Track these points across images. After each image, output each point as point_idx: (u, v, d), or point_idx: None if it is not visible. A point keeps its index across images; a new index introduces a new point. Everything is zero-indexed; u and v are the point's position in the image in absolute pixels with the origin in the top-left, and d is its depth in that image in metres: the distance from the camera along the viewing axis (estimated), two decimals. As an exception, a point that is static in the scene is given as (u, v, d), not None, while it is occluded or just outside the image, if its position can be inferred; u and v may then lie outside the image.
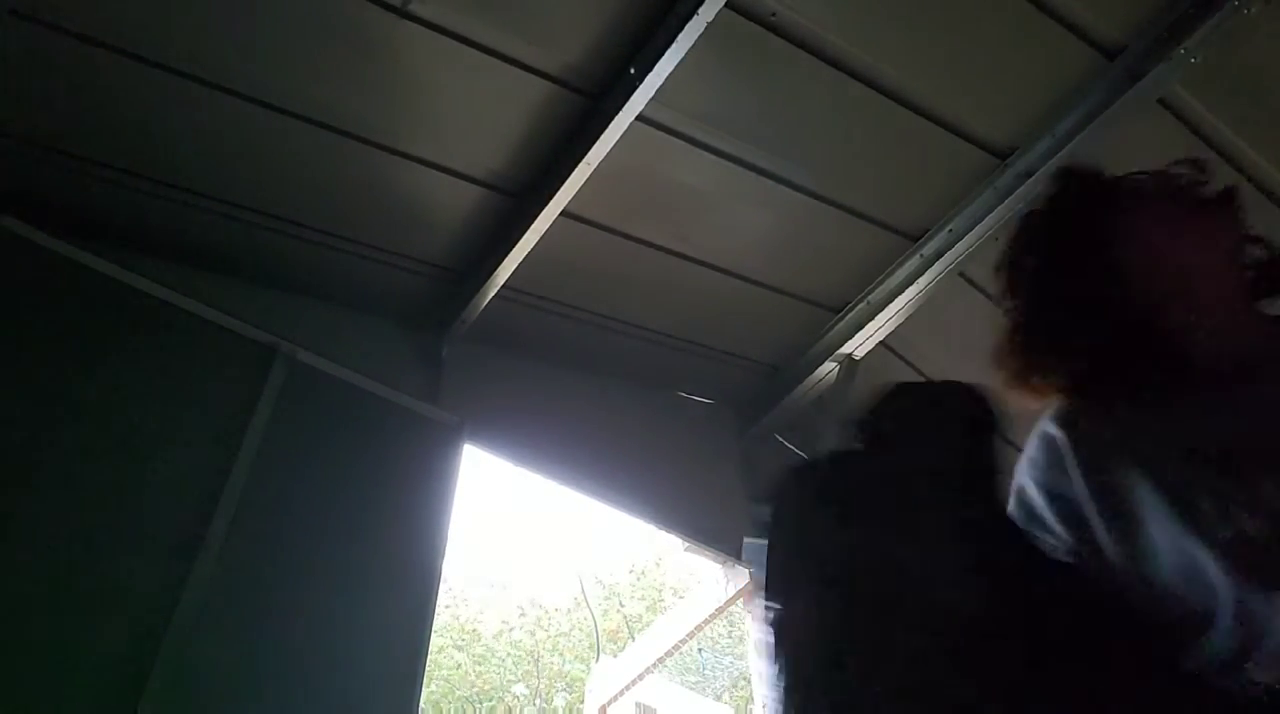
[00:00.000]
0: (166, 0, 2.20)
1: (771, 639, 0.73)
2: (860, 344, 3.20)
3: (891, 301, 3.04)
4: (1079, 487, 0.96)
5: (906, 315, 3.10)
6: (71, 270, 2.34)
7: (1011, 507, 1.02)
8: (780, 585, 0.75)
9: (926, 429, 0.78)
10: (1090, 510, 0.95)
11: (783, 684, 0.72)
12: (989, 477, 0.78)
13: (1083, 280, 1.05)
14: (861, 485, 0.76)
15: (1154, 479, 0.92)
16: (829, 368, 3.31)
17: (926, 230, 2.93)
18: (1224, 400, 0.93)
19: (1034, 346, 1.06)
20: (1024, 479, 1.02)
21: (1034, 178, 2.60)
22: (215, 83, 2.35)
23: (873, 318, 3.10)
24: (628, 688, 4.23)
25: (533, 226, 2.67)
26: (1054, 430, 1.01)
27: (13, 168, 2.45)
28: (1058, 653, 0.67)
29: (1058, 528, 0.98)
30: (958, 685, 0.65)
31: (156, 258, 2.59)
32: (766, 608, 0.74)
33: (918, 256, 2.95)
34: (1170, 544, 0.89)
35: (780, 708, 0.73)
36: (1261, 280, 1.03)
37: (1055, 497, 0.99)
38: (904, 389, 0.85)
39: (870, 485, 0.75)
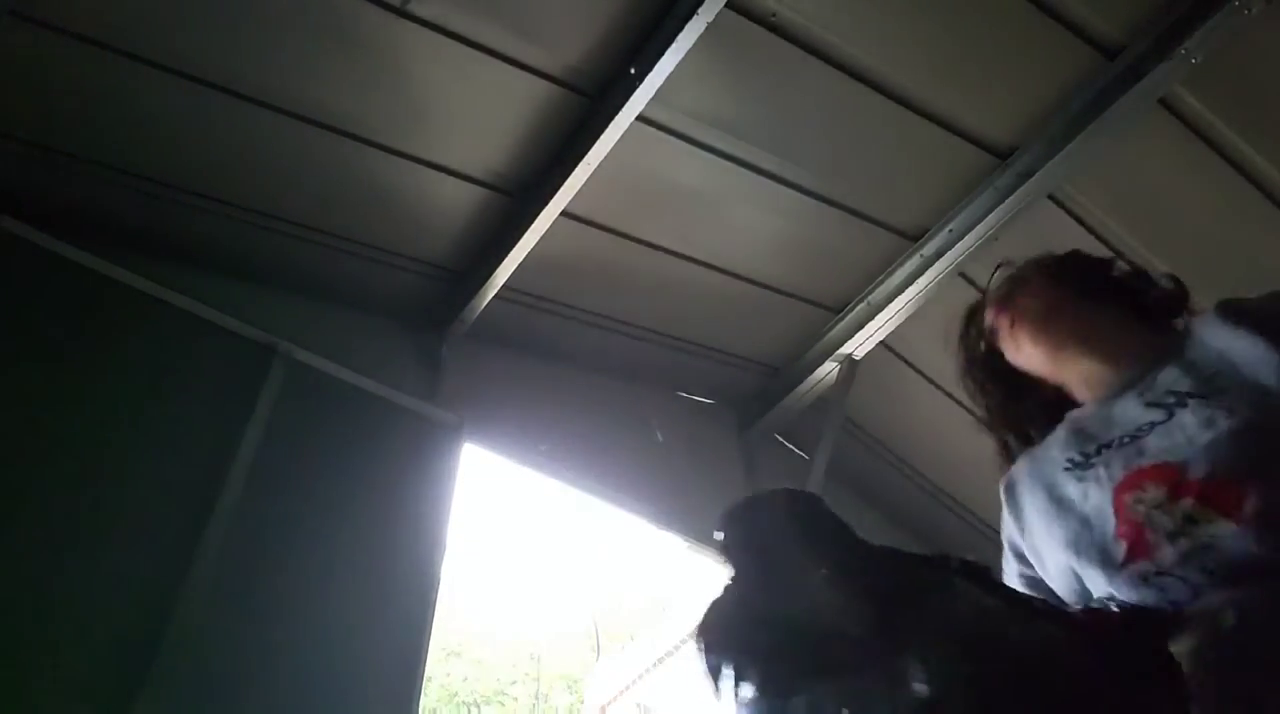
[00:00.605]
0: (166, 1, 2.20)
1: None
2: (860, 344, 3.20)
3: (891, 301, 3.03)
4: (1008, 519, 1.18)
5: (906, 315, 3.10)
6: (71, 270, 2.35)
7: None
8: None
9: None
10: (1016, 534, 1.16)
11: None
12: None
13: (992, 367, 1.29)
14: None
15: (1039, 489, 1.11)
16: (829, 368, 3.30)
17: (926, 230, 2.93)
18: (1100, 414, 1.11)
19: (992, 429, 1.30)
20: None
21: (1034, 178, 2.60)
22: (215, 83, 2.35)
23: (873, 318, 3.10)
24: (628, 688, 4.23)
25: (533, 226, 2.67)
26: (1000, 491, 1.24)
27: (13, 168, 2.45)
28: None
29: (1014, 562, 1.19)
30: None
31: (155, 258, 2.58)
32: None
33: (918, 256, 2.94)
34: (1045, 539, 1.09)
35: None
36: (1163, 308, 1.23)
37: (1009, 539, 1.21)
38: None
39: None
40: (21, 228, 2.30)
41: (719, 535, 0.90)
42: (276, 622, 2.25)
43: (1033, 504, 1.13)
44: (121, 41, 2.23)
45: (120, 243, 2.53)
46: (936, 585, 0.78)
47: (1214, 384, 0.99)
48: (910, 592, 0.77)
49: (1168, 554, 0.92)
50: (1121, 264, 1.33)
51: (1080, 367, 1.17)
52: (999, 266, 1.32)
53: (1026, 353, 1.21)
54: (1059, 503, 1.08)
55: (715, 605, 0.86)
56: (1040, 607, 0.85)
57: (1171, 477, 0.96)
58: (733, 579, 0.88)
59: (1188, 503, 0.93)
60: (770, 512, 0.91)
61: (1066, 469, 1.09)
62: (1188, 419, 0.99)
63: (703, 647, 0.83)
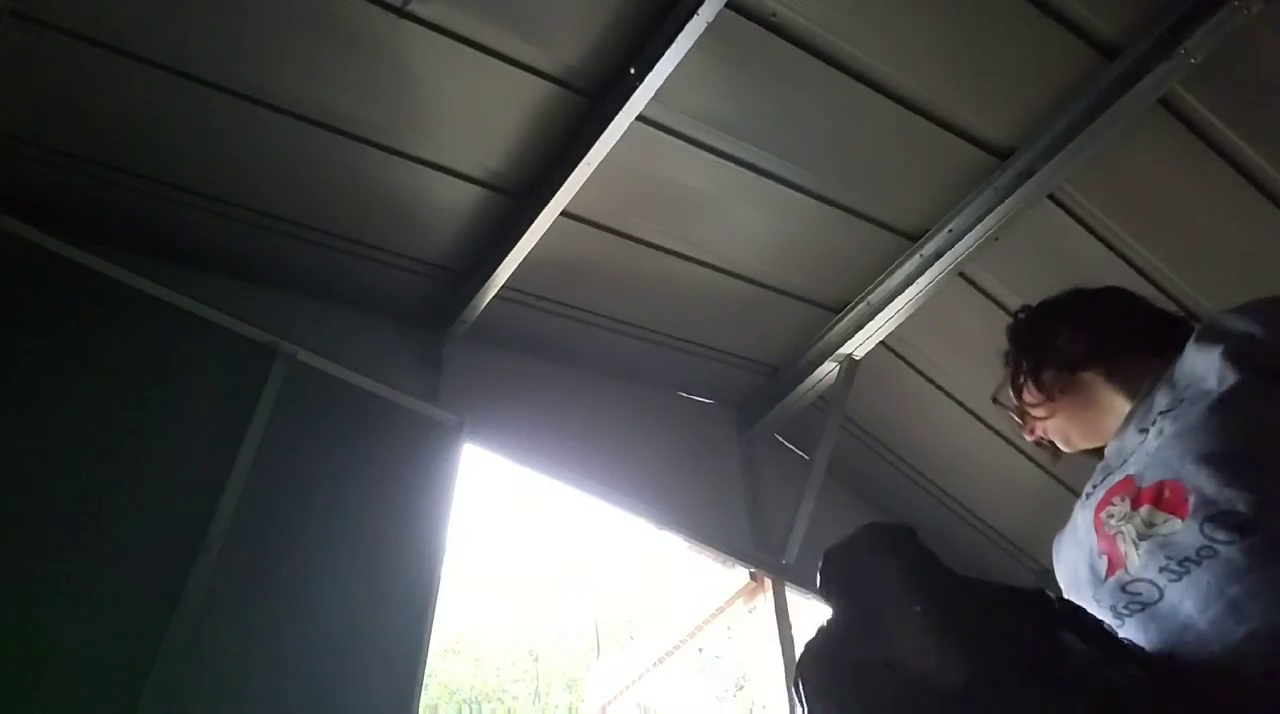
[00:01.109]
0: (167, 1, 2.20)
1: None
2: (860, 344, 3.20)
3: (891, 301, 3.04)
4: (1054, 561, 1.21)
5: (906, 315, 3.10)
6: (71, 270, 2.35)
7: None
8: None
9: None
10: (1057, 573, 1.20)
11: None
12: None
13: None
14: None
15: (1071, 527, 1.15)
16: (829, 368, 3.31)
17: (926, 230, 2.94)
18: (1115, 447, 1.15)
19: None
20: None
21: (1034, 178, 2.61)
22: (215, 83, 2.35)
23: (873, 318, 3.10)
24: (628, 688, 4.23)
25: (533, 226, 2.67)
26: None
27: (13, 168, 2.45)
28: None
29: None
30: None
31: (157, 258, 2.59)
32: None
33: (918, 256, 2.94)
34: (1060, 569, 1.15)
35: None
36: (1162, 332, 1.26)
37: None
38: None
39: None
40: (22, 228, 2.30)
41: (818, 578, 0.93)
42: (277, 621, 2.25)
43: (1066, 543, 1.20)
44: (121, 41, 2.24)
45: (120, 243, 2.53)
46: (1040, 644, 0.80)
47: (1181, 398, 1.06)
48: (1011, 643, 0.80)
49: (1136, 561, 0.98)
50: (1101, 294, 1.36)
51: (1110, 421, 1.24)
52: (994, 400, 1.41)
53: (1069, 447, 1.32)
54: (1073, 534, 1.14)
55: (812, 650, 0.88)
56: (1144, 661, 0.89)
57: (1131, 488, 1.03)
58: (830, 621, 0.90)
59: (1145, 510, 0.99)
60: (862, 549, 0.94)
61: (1082, 501, 1.16)
62: (1152, 433, 1.06)
63: (803, 694, 0.84)
